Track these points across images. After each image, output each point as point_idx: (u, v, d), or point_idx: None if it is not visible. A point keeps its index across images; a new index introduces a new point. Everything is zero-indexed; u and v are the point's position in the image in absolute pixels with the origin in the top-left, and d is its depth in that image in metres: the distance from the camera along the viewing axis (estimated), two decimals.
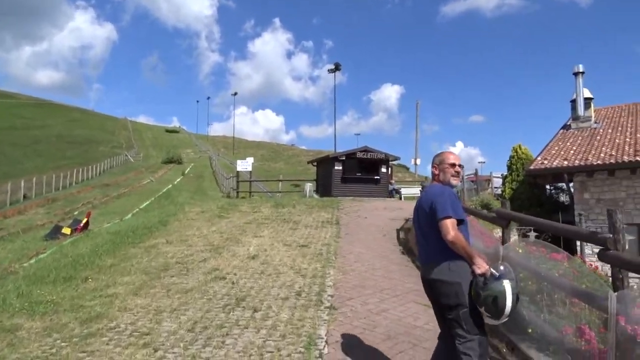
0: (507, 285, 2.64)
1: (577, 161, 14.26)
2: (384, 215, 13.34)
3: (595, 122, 17.26)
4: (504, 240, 4.94)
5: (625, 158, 13.28)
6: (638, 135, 14.89)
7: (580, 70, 17.29)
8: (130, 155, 63.82)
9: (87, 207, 21.57)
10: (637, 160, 12.95)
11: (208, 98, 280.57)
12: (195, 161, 62.43)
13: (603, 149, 14.57)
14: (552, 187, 19.20)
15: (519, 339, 3.84)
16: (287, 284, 5.87)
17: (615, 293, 2.69)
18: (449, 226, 2.71)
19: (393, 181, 26.21)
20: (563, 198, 18.63)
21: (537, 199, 17.25)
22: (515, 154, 18.77)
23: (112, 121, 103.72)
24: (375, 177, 21.82)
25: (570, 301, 3.30)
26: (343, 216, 12.61)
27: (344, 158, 21.66)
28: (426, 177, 38.37)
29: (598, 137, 15.85)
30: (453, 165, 3.01)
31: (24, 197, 29.17)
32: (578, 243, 12.69)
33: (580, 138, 16.39)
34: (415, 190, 23.88)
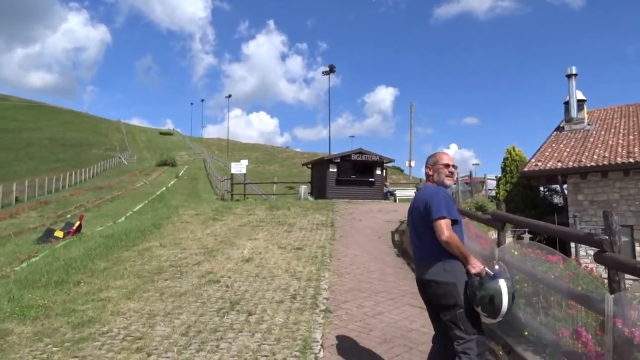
0: (502, 284, 2.64)
1: (570, 163, 14.32)
2: (378, 218, 13.34)
3: (588, 124, 17.35)
4: (500, 242, 4.93)
5: (619, 160, 13.35)
6: (631, 137, 14.98)
7: (573, 72, 17.38)
8: (123, 157, 63.50)
9: (80, 210, 21.40)
10: (630, 162, 13.02)
11: (202, 100, 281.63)
12: (190, 164, 62.23)
13: (596, 150, 14.65)
14: (545, 189, 19.27)
15: (515, 342, 3.82)
16: (282, 287, 5.83)
17: (612, 295, 2.68)
18: (444, 226, 2.71)
19: (388, 183, 26.22)
20: (557, 200, 18.70)
21: (531, 201, 17.29)
22: (509, 155, 18.81)
23: (106, 123, 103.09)
24: (370, 179, 21.81)
25: (566, 303, 3.29)
26: (338, 218, 12.59)
27: (338, 160, 21.64)
28: (421, 179, 38.37)
29: (591, 139, 15.93)
30: (447, 165, 3.01)
31: (16, 200, 28.95)
32: (572, 245, 12.74)
33: (573, 140, 16.47)
34: (410, 193, 23.89)
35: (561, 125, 18.09)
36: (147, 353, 3.73)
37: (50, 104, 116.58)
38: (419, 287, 3.01)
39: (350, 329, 4.47)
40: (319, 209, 14.09)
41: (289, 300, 5.27)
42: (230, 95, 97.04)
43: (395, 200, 23.80)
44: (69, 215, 20.10)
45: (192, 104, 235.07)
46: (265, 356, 3.69)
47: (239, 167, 24.06)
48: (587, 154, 14.63)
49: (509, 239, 6.36)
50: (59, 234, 11.97)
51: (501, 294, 2.61)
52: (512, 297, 2.68)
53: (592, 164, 13.73)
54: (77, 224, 12.67)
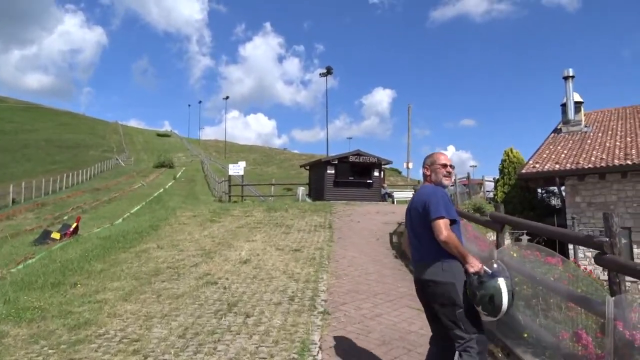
0: (502, 283, 2.65)
1: (568, 165, 14.35)
2: (376, 219, 13.32)
3: (586, 126, 17.40)
4: (498, 244, 4.91)
5: (616, 162, 13.38)
6: (628, 139, 15.02)
7: (570, 74, 17.44)
8: (121, 159, 63.36)
9: (77, 212, 21.31)
10: (627, 164, 13.05)
11: (199, 102, 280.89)
12: (187, 165, 62.12)
13: (594, 152, 14.68)
14: (543, 191, 19.29)
15: (514, 344, 3.81)
16: (280, 289, 5.80)
17: (613, 298, 2.66)
18: (442, 226, 2.71)
19: (385, 185, 26.24)
20: (554, 202, 18.72)
21: (529, 203, 17.31)
22: (507, 157, 18.83)
23: (103, 125, 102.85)
24: (368, 181, 21.81)
25: (566, 306, 3.27)
26: (336, 220, 12.57)
27: (336, 162, 21.63)
28: (419, 181, 38.40)
29: (589, 141, 15.97)
30: (444, 165, 3.01)
31: (13, 201, 28.82)
32: (571, 247, 12.74)
33: (571, 142, 16.51)
34: (408, 194, 23.90)
35: (558, 127, 18.13)
36: (143, 355, 3.70)
37: (46, 105, 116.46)
38: (417, 287, 3.00)
39: (348, 330, 4.44)
40: (317, 211, 14.07)
41: (286, 302, 5.24)
42: (227, 97, 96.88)
43: (393, 202, 23.81)
44: (65, 217, 20.00)
45: (189, 105, 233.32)
46: (263, 358, 3.67)
47: (237, 169, 24.04)
48: (584, 155, 14.67)
49: (507, 241, 6.34)
50: (55, 235, 11.94)
51: (501, 292, 2.62)
52: (512, 296, 2.69)
53: (590, 165, 13.76)
54: (74, 225, 12.63)
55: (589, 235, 3.34)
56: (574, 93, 17.42)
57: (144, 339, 4.07)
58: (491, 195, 20.73)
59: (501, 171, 18.83)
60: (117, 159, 61.55)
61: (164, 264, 7.22)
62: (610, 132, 16.28)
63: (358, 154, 21.87)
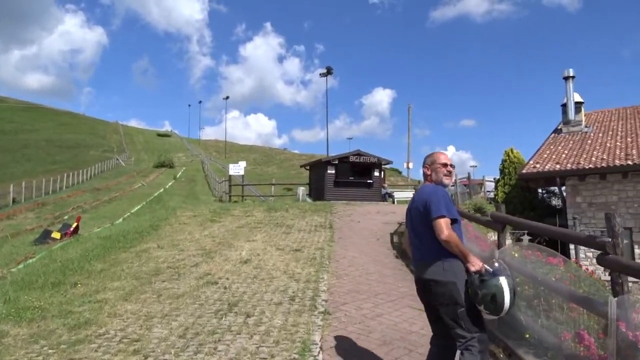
0: (503, 281, 2.65)
1: (569, 165, 14.33)
2: (377, 219, 13.31)
3: (586, 126, 17.38)
4: (500, 244, 4.90)
5: (617, 162, 13.36)
6: (629, 139, 15.00)
7: (571, 74, 17.42)
8: (121, 159, 63.35)
9: (77, 212, 21.31)
10: (628, 164, 13.03)
11: (200, 102, 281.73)
12: (187, 165, 62.14)
13: (594, 152, 14.66)
14: (544, 191, 19.26)
15: (516, 345, 3.79)
16: (281, 289, 5.79)
17: (615, 298, 2.65)
18: (443, 225, 2.71)
19: (386, 185, 26.22)
20: (555, 202, 18.69)
21: (529, 203, 17.28)
22: (507, 157, 18.80)
23: (103, 125, 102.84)
24: (368, 181, 21.79)
25: (568, 306, 3.26)
26: (336, 220, 12.56)
27: (336, 162, 21.62)
28: (419, 181, 38.39)
29: (589, 141, 15.95)
30: (445, 164, 3.01)
31: (13, 201, 28.83)
32: (572, 247, 12.73)
33: (571, 142, 16.49)
34: (408, 194, 23.89)
35: (559, 128, 18.11)
36: (144, 355, 3.69)
37: (47, 105, 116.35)
38: (418, 287, 2.99)
39: (349, 331, 4.43)
40: (317, 211, 14.06)
41: (287, 302, 5.23)
42: (227, 97, 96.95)
43: (393, 202, 23.80)
44: (66, 217, 20.01)
45: (189, 105, 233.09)
46: (264, 358, 3.66)
47: (237, 169, 24.02)
48: (585, 156, 14.65)
49: (508, 241, 6.33)
50: (56, 235, 11.94)
51: (503, 291, 2.62)
52: (513, 294, 2.69)
53: (591, 166, 13.74)
54: (75, 225, 12.63)
55: (591, 235, 3.33)
56: (575, 93, 17.40)
57: (144, 339, 4.06)
58: (492, 195, 20.72)
59: (502, 171, 18.80)
60: (117, 159, 61.54)
61: (165, 263, 7.21)
62: (610, 133, 16.26)
63: (358, 154, 21.86)
